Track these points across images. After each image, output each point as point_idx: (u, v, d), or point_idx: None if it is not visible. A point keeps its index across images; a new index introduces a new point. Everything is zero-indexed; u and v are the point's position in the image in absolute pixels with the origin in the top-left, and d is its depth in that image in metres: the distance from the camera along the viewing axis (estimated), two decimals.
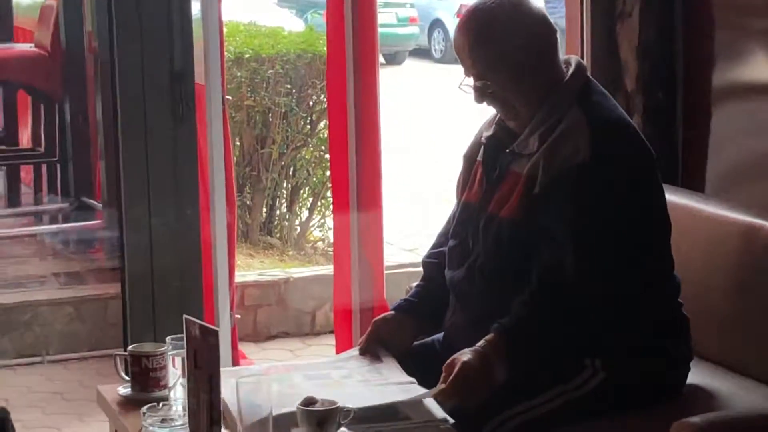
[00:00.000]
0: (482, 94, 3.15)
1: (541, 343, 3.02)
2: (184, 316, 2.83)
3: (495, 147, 3.22)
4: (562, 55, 3.23)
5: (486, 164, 3.23)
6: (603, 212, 3.02)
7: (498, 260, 3.12)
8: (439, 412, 2.90)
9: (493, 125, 3.25)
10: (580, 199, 3.02)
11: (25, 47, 7.11)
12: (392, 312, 3.35)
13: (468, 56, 3.15)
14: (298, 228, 7.70)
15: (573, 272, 3.00)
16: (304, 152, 7.54)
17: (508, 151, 3.16)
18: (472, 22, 3.16)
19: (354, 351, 3.35)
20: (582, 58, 3.84)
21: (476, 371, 2.96)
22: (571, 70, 3.17)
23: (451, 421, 2.87)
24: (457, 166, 3.38)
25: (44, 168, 7.15)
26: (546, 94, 3.13)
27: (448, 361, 2.99)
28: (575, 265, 3.00)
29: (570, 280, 3.01)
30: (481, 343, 3.00)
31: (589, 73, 3.26)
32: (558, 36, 3.21)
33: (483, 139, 3.27)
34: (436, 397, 2.93)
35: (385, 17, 12.09)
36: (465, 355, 2.98)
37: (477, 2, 3.22)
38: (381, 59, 4.40)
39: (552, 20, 3.22)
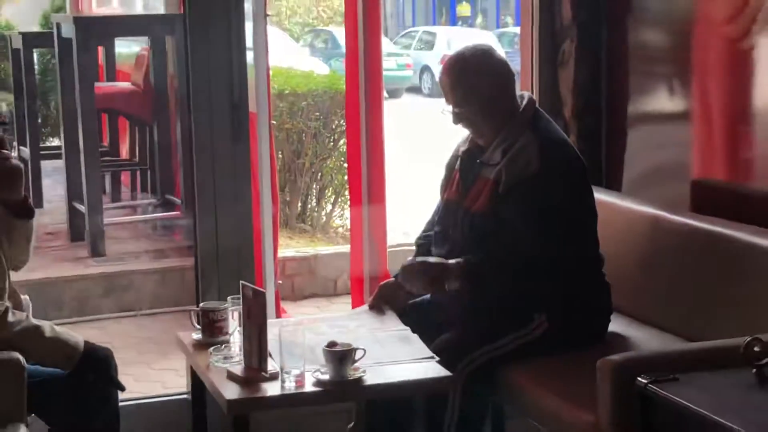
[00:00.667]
0: (458, 118, 3.17)
1: (487, 286, 3.06)
2: (241, 281, 2.84)
3: (469, 158, 3.23)
4: (518, 91, 3.24)
5: (462, 171, 3.24)
6: (549, 208, 3.03)
7: (470, 242, 3.13)
8: (426, 352, 2.90)
9: (467, 142, 3.26)
10: (533, 198, 3.03)
11: (124, 85, 7.09)
12: (393, 279, 3.35)
13: (448, 91, 3.17)
14: (324, 218, 7.67)
15: (527, 252, 3.01)
16: (328, 162, 7.50)
17: (478, 162, 3.17)
18: (451, 66, 3.17)
19: (365, 307, 3.36)
20: (532, 93, 3.85)
21: (434, 266, 3.07)
22: (524, 103, 3.18)
23: (437, 358, 2.87)
24: (440, 173, 3.38)
25: (138, 173, 7.14)
26: (506, 119, 3.14)
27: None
28: (529, 247, 3.01)
29: (523, 257, 3.02)
30: (451, 260, 3.07)
31: (537, 105, 3.27)
32: (515, 77, 3.22)
33: (459, 152, 3.29)
34: (401, 271, 3.08)
35: (388, 63, 12.14)
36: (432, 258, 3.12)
37: (456, 52, 3.24)
38: (385, 94, 4.38)
39: (511, 65, 3.24)
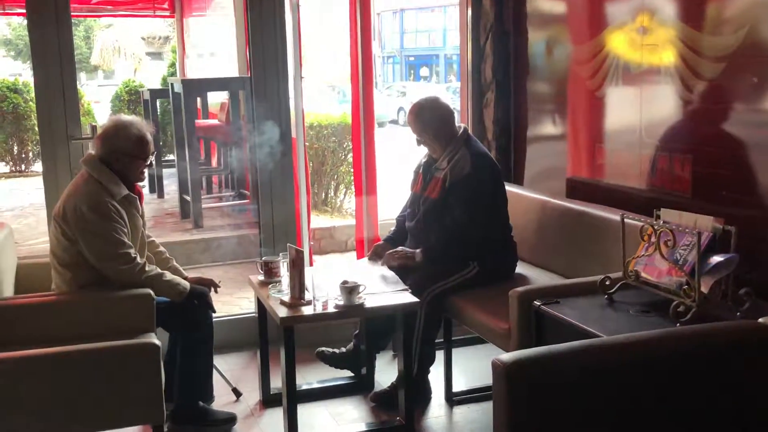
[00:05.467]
0: (419, 142, 3.15)
1: (441, 254, 3.02)
2: (288, 243, 2.83)
3: (427, 165, 3.20)
4: (458, 123, 3.19)
5: (423, 173, 3.20)
6: (477, 196, 3.01)
7: (428, 218, 3.11)
8: (403, 287, 2.87)
9: (426, 155, 3.23)
10: (466, 190, 3.00)
11: (214, 121, 7.07)
12: (382, 241, 3.33)
13: (411, 126, 3.14)
14: (339, 203, 7.60)
15: (463, 223, 2.99)
16: (341, 168, 7.44)
17: (433, 167, 3.14)
18: (412, 111, 3.14)
19: (365, 259, 3.34)
20: (467, 125, 3.78)
21: (409, 254, 3.03)
22: (461, 130, 3.14)
23: (409, 290, 2.85)
24: (410, 175, 3.34)
25: (223, 176, 7.11)
26: (449, 141, 3.10)
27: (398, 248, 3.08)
28: (464, 220, 2.98)
29: (460, 227, 2.99)
30: (417, 249, 3.05)
31: (470, 131, 3.22)
32: (454, 114, 3.17)
33: (422, 162, 3.25)
34: (388, 257, 3.01)
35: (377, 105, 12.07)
36: (407, 249, 3.07)
37: (415, 101, 3.19)
38: (376, 125, 4.35)
39: (453, 106, 3.19)
